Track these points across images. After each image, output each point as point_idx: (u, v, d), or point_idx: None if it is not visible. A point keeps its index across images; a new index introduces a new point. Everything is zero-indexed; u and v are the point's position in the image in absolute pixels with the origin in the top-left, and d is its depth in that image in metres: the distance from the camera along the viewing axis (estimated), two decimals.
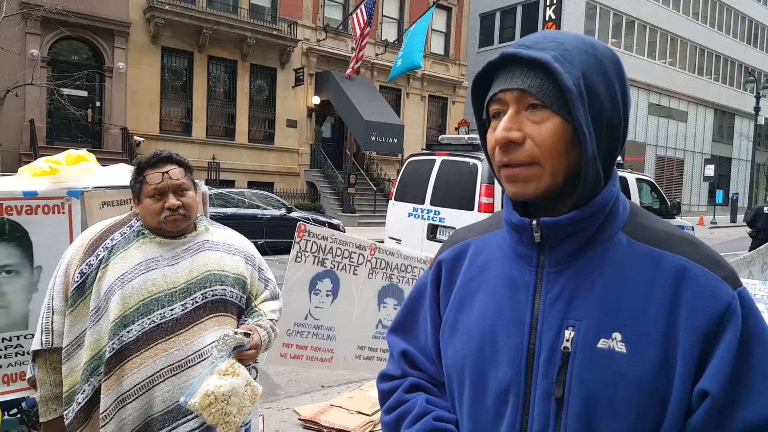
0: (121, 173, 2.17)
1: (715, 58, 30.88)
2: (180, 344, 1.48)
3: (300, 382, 4.29)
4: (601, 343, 0.74)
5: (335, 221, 11.87)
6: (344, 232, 10.19)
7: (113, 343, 1.44)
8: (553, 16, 22.69)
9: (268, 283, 1.78)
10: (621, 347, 0.73)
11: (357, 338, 2.77)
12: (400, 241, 6.98)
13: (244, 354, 1.50)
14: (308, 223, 2.61)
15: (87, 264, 1.50)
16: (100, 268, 1.50)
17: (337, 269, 2.64)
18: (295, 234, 2.50)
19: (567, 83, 0.74)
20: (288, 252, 2.55)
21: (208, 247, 1.62)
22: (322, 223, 9.99)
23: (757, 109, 24.53)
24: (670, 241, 0.79)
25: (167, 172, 1.54)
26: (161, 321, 1.48)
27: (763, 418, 0.70)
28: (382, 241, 6.67)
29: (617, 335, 0.74)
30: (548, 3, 22.94)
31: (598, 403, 0.73)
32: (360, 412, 3.28)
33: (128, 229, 1.57)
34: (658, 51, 27.55)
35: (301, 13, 17.44)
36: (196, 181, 1.69)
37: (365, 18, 15.69)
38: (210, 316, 1.54)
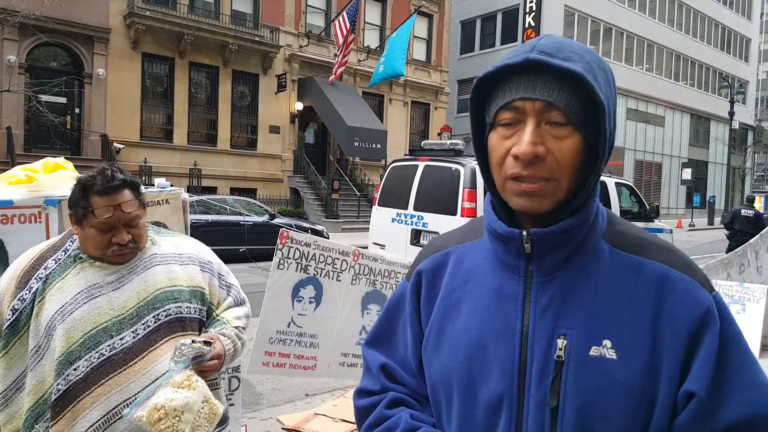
0: None
1: (690, 64, 31.58)
2: (135, 375, 1.33)
3: (283, 390, 4.25)
4: (593, 351, 0.75)
5: (319, 227, 11.83)
6: (328, 238, 10.17)
7: (59, 384, 1.30)
8: (533, 23, 23.00)
9: (230, 288, 1.63)
10: (611, 354, 0.75)
11: (340, 345, 2.76)
12: (384, 246, 6.99)
13: (205, 365, 1.36)
14: (291, 229, 2.60)
15: (19, 299, 1.35)
16: (36, 302, 1.34)
17: (320, 276, 2.63)
18: (278, 241, 2.49)
19: (603, 101, 0.72)
20: (270, 259, 2.54)
21: (157, 261, 1.46)
22: (306, 230, 9.95)
23: (731, 113, 25.14)
24: (648, 247, 0.81)
25: (119, 206, 1.35)
26: (111, 353, 1.33)
27: (743, 415, 0.73)
28: (366, 247, 6.68)
29: (607, 342, 0.75)
30: (527, 10, 23.26)
31: (593, 410, 0.74)
32: (344, 420, 3.26)
33: (63, 254, 1.41)
34: (635, 57, 28.08)
35: (283, 19, 17.41)
36: (148, 191, 1.54)
37: (348, 25, 15.73)
38: (166, 339, 1.39)
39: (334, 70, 16.90)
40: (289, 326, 2.56)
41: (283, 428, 3.33)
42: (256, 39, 16.42)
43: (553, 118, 0.74)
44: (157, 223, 2.05)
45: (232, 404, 2.34)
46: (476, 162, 0.86)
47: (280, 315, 2.53)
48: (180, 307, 1.44)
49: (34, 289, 1.36)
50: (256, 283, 8.12)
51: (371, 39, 19.68)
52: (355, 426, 3.38)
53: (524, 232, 0.79)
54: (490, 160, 0.80)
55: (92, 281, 1.38)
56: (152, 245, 1.50)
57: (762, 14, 38.83)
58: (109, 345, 1.34)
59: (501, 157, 0.77)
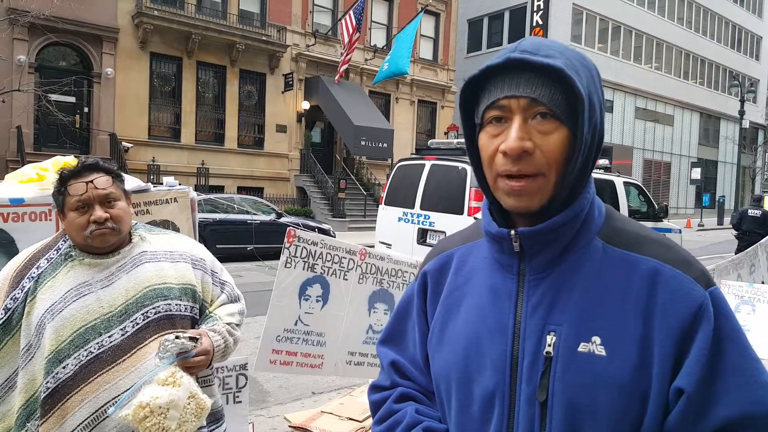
0: None
1: (700, 62, 31.31)
2: (123, 373, 1.34)
3: (290, 388, 4.27)
4: (582, 347, 0.76)
5: (325, 226, 11.85)
6: (334, 237, 10.16)
7: (48, 382, 1.31)
8: (540, 22, 22.89)
9: (224, 285, 1.63)
10: (600, 350, 0.75)
11: (347, 344, 2.76)
12: (391, 245, 6.99)
13: (191, 361, 1.36)
14: (298, 228, 2.60)
15: (12, 298, 1.37)
16: (27, 301, 1.36)
17: (327, 274, 2.64)
18: (285, 239, 2.50)
19: (582, 93, 0.74)
20: (278, 257, 2.55)
21: (147, 258, 1.47)
22: (312, 228, 9.97)
23: (741, 112, 24.90)
24: (643, 243, 0.81)
25: (92, 182, 1.39)
26: (99, 351, 1.34)
27: (737, 414, 0.72)
28: (373, 246, 6.68)
29: (596, 339, 0.76)
30: (535, 8, 23.15)
31: (580, 405, 0.74)
32: (351, 419, 3.26)
33: (55, 253, 1.43)
34: (644, 56, 27.88)
35: (290, 18, 17.44)
36: (130, 189, 1.54)
37: (354, 23, 15.74)
38: (155, 336, 1.39)
39: (338, 68, 16.93)
40: (296, 325, 2.57)
41: (290, 426, 3.34)
42: (263, 38, 16.46)
43: (539, 114, 0.75)
44: (166, 222, 2.07)
45: (240, 401, 2.35)
46: (470, 164, 0.87)
47: (288, 313, 2.54)
48: (169, 304, 1.44)
49: (26, 289, 1.37)
50: (263, 281, 8.13)
51: (378, 38, 19.67)
52: (361, 424, 3.41)
53: (512, 232, 0.80)
54: (482, 160, 0.82)
55: (82, 279, 1.39)
56: (142, 242, 1.50)
57: None
58: (97, 343, 1.35)
59: (490, 155, 0.79)
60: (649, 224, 8.15)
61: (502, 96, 0.76)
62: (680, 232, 9.12)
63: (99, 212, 1.37)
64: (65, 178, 1.41)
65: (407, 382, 0.96)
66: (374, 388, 1.00)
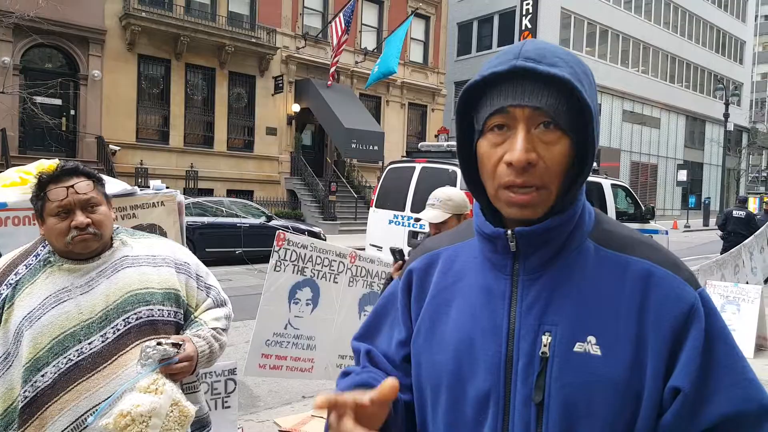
0: None
1: (686, 66, 31.72)
2: (104, 380, 1.31)
3: (280, 393, 4.24)
4: (577, 347, 0.76)
5: (316, 229, 11.81)
6: (325, 239, 10.15)
7: (26, 391, 1.29)
8: (529, 26, 23.06)
9: (209, 289, 1.60)
10: (596, 350, 0.76)
11: (338, 347, 2.75)
12: (381, 248, 6.99)
13: (174, 367, 1.33)
14: (288, 231, 2.59)
15: None
16: (5, 308, 1.33)
17: (317, 278, 2.63)
18: (275, 243, 2.49)
19: (590, 104, 0.74)
20: (267, 261, 2.53)
21: (128, 263, 1.44)
22: (303, 231, 9.94)
23: (726, 115, 25.25)
24: (634, 245, 0.82)
25: (72, 186, 1.36)
26: (79, 358, 1.31)
27: (730, 411, 0.73)
28: (363, 249, 6.67)
29: (592, 339, 0.76)
30: (524, 12, 23.31)
31: (577, 406, 0.75)
32: None
33: (34, 258, 1.40)
34: (631, 59, 28.18)
35: (280, 20, 17.41)
36: (116, 192, 1.52)
37: (343, 26, 15.75)
38: (137, 342, 1.36)
39: (329, 71, 16.92)
40: (285, 328, 2.55)
41: (279, 430, 3.32)
42: (253, 40, 16.40)
43: (542, 123, 0.75)
44: (153, 226, 2.05)
45: (229, 406, 2.33)
46: (459, 167, 0.87)
47: (277, 317, 2.53)
48: (152, 309, 1.41)
49: (3, 296, 1.34)
50: (252, 285, 8.08)
51: (368, 41, 19.69)
52: None
53: (509, 231, 0.80)
54: (481, 168, 0.81)
55: (61, 285, 1.36)
56: (124, 246, 1.47)
57: (756, 17, 39.08)
58: (77, 350, 1.32)
59: (494, 164, 0.78)
60: (636, 225, 8.23)
61: (507, 104, 0.75)
62: (667, 233, 9.22)
63: (80, 218, 1.35)
64: (44, 182, 1.37)
65: (377, 371, 0.95)
66: (344, 374, 0.98)
